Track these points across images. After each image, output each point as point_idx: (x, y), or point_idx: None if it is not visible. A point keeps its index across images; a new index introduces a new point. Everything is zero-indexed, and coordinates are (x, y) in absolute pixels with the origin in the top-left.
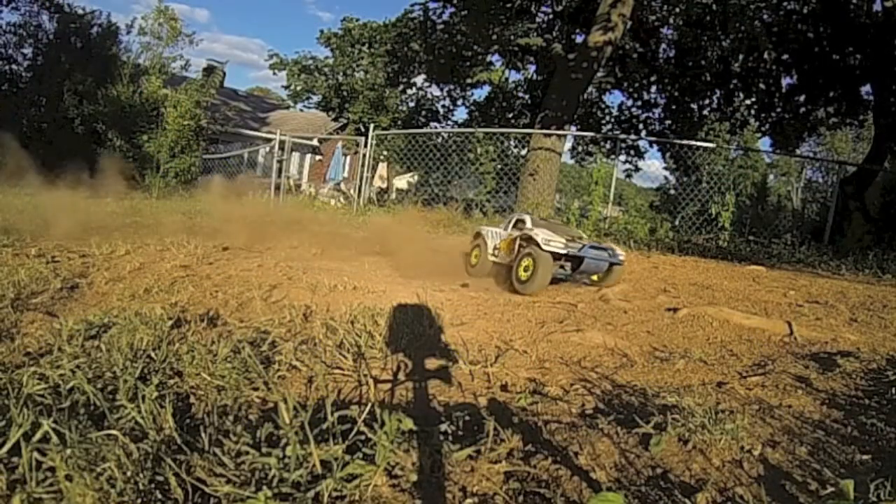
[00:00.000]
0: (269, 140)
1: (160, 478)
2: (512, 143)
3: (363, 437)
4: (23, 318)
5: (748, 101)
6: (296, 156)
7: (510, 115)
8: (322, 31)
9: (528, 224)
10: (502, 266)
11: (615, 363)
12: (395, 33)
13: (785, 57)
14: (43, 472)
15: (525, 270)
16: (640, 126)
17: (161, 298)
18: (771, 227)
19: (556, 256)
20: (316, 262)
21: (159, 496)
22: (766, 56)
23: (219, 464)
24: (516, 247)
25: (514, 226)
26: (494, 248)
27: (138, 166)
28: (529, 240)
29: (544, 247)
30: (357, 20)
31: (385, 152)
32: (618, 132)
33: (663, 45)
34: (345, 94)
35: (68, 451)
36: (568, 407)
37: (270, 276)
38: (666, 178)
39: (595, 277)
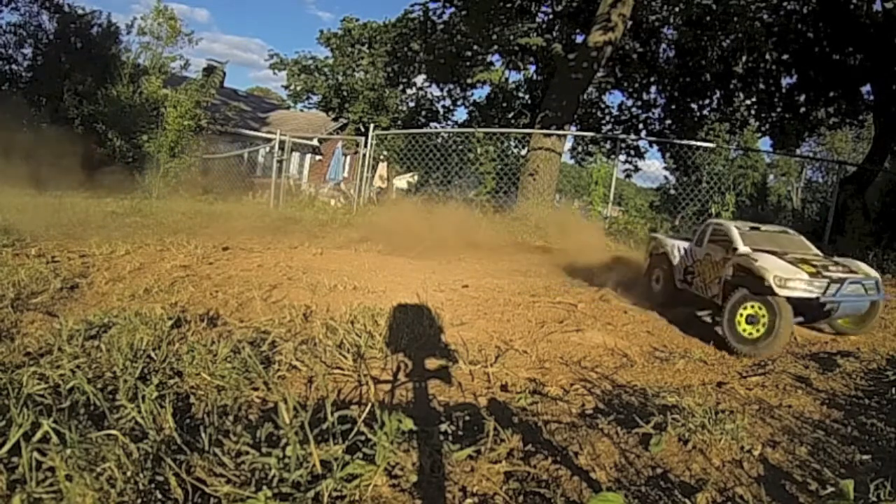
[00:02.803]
0: (269, 140)
1: (160, 478)
2: (512, 143)
3: (363, 437)
4: (23, 318)
5: (748, 101)
6: (296, 156)
7: (510, 115)
8: (322, 31)
9: (738, 241)
10: (698, 297)
11: (615, 363)
12: (395, 33)
13: (785, 57)
14: (43, 472)
15: (751, 324)
16: (640, 126)
17: (161, 298)
18: None
19: (796, 302)
20: (316, 262)
21: (159, 496)
22: (766, 56)
23: (219, 464)
24: (723, 280)
25: (714, 240)
26: (686, 273)
27: (138, 166)
28: (748, 273)
29: (779, 290)
30: (357, 20)
31: (385, 152)
32: (618, 132)
33: (663, 45)
34: (345, 94)
35: (68, 451)
36: (568, 407)
37: (270, 276)
38: (666, 178)
39: (843, 322)
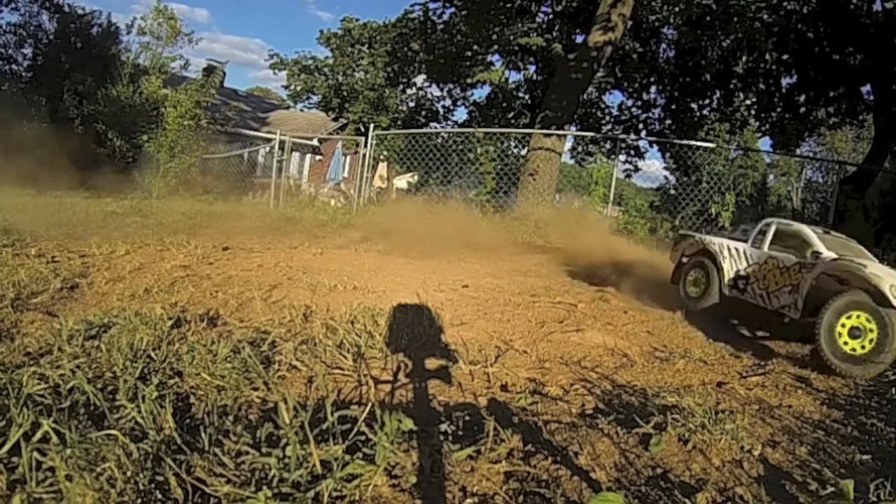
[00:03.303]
0: (269, 140)
1: (160, 478)
2: (512, 143)
3: (363, 437)
4: (23, 318)
5: (748, 101)
6: (296, 156)
7: (510, 115)
8: (322, 31)
9: (819, 245)
10: (755, 306)
11: (615, 363)
12: (395, 33)
13: (785, 57)
14: (43, 472)
15: (855, 338)
16: (640, 126)
17: (161, 298)
18: None
19: None
20: (316, 262)
21: (159, 496)
22: (766, 56)
23: (219, 464)
24: (806, 286)
25: (779, 242)
26: (738, 278)
27: (138, 166)
28: (853, 279)
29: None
30: (357, 20)
31: (385, 152)
32: (618, 132)
33: (663, 45)
34: (345, 94)
35: (68, 451)
36: (568, 407)
37: (270, 276)
38: (666, 178)
39: None
